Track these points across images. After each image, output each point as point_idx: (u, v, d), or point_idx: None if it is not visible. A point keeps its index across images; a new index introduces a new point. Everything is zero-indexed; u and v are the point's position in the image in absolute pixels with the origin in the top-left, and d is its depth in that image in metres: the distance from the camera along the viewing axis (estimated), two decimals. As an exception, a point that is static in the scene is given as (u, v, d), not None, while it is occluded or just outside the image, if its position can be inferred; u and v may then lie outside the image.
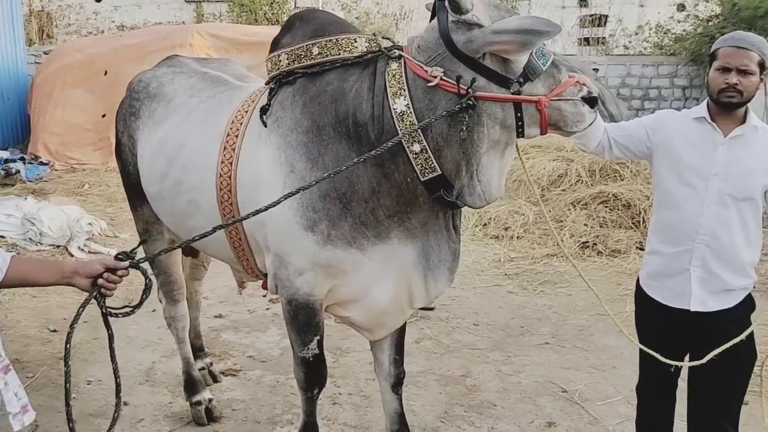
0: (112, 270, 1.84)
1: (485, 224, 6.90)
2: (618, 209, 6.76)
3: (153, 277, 1.98)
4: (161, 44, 9.47)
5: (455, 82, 2.20)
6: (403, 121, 2.26)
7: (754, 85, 2.42)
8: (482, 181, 2.35)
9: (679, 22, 15.39)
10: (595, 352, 4.30)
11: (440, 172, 2.28)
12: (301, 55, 2.47)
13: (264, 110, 2.53)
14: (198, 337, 3.91)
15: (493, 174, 2.37)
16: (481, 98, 2.20)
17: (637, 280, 2.75)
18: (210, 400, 3.48)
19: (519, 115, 2.24)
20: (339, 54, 2.41)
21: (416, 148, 2.27)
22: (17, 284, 1.75)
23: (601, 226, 6.61)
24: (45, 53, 11.54)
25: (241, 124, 2.63)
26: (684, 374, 2.63)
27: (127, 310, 1.95)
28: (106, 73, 9.93)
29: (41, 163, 9.09)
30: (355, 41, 2.42)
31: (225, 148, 2.63)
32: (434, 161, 2.27)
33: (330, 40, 2.43)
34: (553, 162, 7.51)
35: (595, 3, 18.32)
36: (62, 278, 1.81)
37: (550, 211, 6.92)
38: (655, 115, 2.68)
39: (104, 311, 1.91)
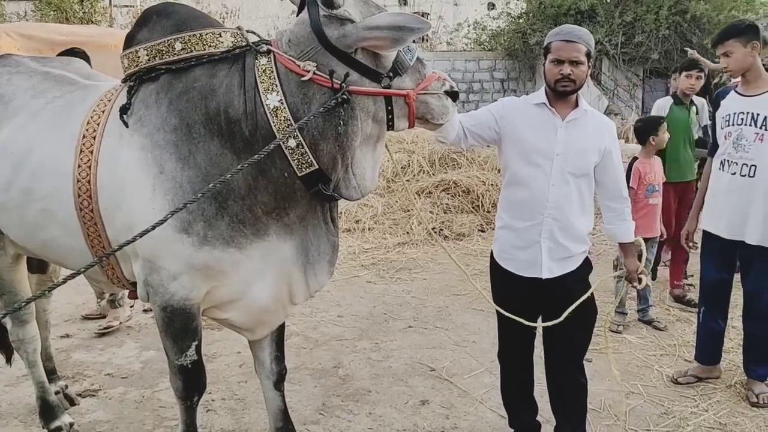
0: None
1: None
2: (459, 195, 7.16)
3: None
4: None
5: (329, 77, 2.22)
6: (276, 116, 2.23)
7: (584, 73, 2.70)
8: (357, 174, 2.38)
9: (494, 19, 16.52)
10: (456, 330, 4.54)
11: (317, 167, 2.28)
12: (162, 50, 2.36)
13: (124, 109, 2.40)
14: (49, 359, 3.60)
15: (366, 167, 2.41)
16: (354, 92, 2.23)
17: (491, 255, 2.95)
18: (71, 425, 3.24)
19: (389, 108, 2.30)
20: (204, 49, 2.33)
21: (292, 143, 2.24)
22: None
23: (445, 212, 6.96)
24: None
25: (98, 124, 2.47)
26: (539, 336, 2.89)
27: None
28: None
29: None
30: (220, 36, 2.35)
31: (81, 151, 2.45)
32: (311, 156, 2.26)
33: (194, 35, 2.34)
34: (395, 154, 7.77)
35: (415, 1, 19.15)
36: None
37: (397, 201, 7.18)
38: (499, 102, 2.88)
39: None
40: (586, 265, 2.85)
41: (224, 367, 4.01)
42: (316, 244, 2.54)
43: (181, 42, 2.34)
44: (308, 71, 2.22)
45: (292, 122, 2.23)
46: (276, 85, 2.24)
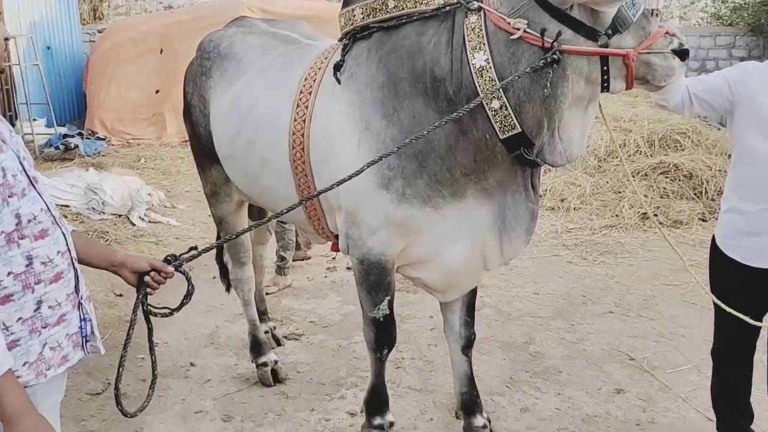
0: (158, 271, 1.85)
1: (541, 196, 6.75)
2: (679, 180, 6.55)
3: (193, 284, 1.98)
4: (213, 20, 9.49)
5: (540, 35, 2.12)
6: (482, 76, 2.17)
7: None
8: (564, 138, 2.27)
9: (738, -10, 14.80)
10: (662, 321, 4.19)
11: (520, 130, 2.20)
12: (376, 8, 2.39)
13: (338, 66, 2.48)
14: (262, 300, 3.93)
15: (575, 131, 2.28)
16: (566, 52, 2.11)
17: (713, 240, 2.65)
18: (276, 362, 3.51)
19: (605, 68, 2.15)
20: (415, 7, 2.32)
21: (495, 104, 2.18)
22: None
23: (661, 197, 6.42)
24: (99, 32, 11.71)
25: (314, 81, 2.58)
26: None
27: (166, 311, 1.97)
28: (161, 51, 10.04)
29: (98, 139, 9.26)
30: None
31: (298, 105, 2.59)
32: (514, 118, 2.18)
33: None
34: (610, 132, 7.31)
35: (648, -27, 17.78)
36: (110, 266, 1.83)
37: (607, 182, 6.78)
38: (736, 67, 2.57)
39: (145, 309, 1.93)
40: None
41: (416, 328, 4.10)
42: (514, 210, 2.47)
43: (394, 0, 2.35)
44: (518, 29, 2.13)
45: (497, 83, 2.15)
46: (484, 44, 2.17)
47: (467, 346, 2.92)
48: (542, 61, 2.08)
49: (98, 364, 3.54)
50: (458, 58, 2.23)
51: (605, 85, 2.18)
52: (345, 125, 2.44)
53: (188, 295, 1.98)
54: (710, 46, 14.03)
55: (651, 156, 6.89)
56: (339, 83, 2.48)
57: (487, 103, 2.17)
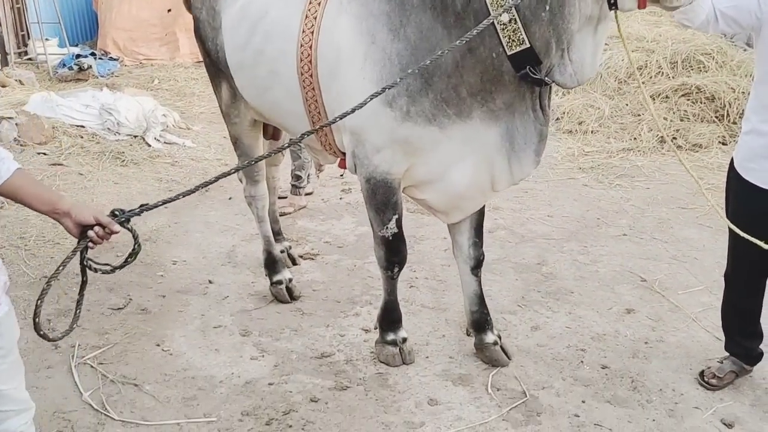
0: (103, 226, 1.73)
1: (558, 118, 6.68)
2: (701, 102, 6.42)
3: (140, 243, 1.88)
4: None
5: None
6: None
7: None
8: (574, 60, 2.23)
9: None
10: (675, 244, 4.20)
11: (528, 45, 2.15)
12: None
13: None
14: (276, 221, 3.95)
15: (586, 52, 2.23)
16: None
17: (731, 163, 2.62)
18: (290, 280, 3.58)
19: None
20: None
21: (505, 18, 2.12)
22: (9, 196, 1.68)
23: (681, 120, 6.31)
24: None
25: None
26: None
27: (108, 268, 1.85)
28: (169, 11, 9.79)
29: (111, 59, 9.17)
30: None
31: (307, 17, 2.53)
32: (523, 33, 2.13)
33: None
34: (632, 53, 7.12)
35: None
36: (53, 213, 1.71)
37: (627, 104, 6.66)
38: None
39: (84, 263, 1.81)
40: None
41: (430, 249, 4.14)
42: (523, 131, 2.44)
43: None
44: None
45: None
46: None
47: (476, 267, 2.95)
48: None
49: (119, 281, 3.63)
50: None
51: (612, 1, 2.10)
52: (351, 38, 2.39)
53: (133, 254, 1.88)
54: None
55: (673, 78, 6.73)
56: None
57: (496, 17, 2.10)
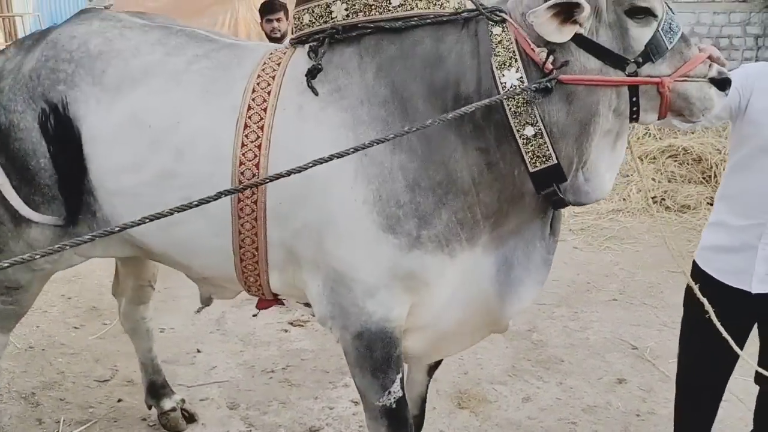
0: None
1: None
2: (688, 164, 6.54)
3: None
4: (219, -3, 9.44)
5: (545, 58, 1.81)
6: (513, 98, 1.82)
7: None
8: (590, 177, 1.96)
9: (754, -35, 14.54)
10: (666, 310, 4.20)
11: (555, 161, 1.86)
12: (371, 5, 1.95)
13: (313, 72, 1.94)
14: (157, 372, 3.09)
15: (602, 168, 1.96)
16: (567, 82, 1.81)
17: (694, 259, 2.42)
18: (183, 400, 3.10)
19: (635, 99, 1.85)
20: (428, 8, 1.93)
21: (529, 132, 1.84)
22: None
23: (669, 181, 6.41)
24: (105, 8, 11.67)
25: (268, 93, 1.99)
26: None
27: None
28: None
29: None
30: None
31: (246, 127, 1.97)
32: (550, 148, 1.85)
33: None
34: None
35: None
36: None
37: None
38: (742, 70, 2.33)
39: None
40: None
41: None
42: (525, 262, 2.07)
43: None
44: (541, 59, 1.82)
45: (534, 109, 1.83)
46: (515, 60, 1.83)
47: (435, 367, 2.51)
48: (534, 85, 1.79)
49: (105, 351, 3.60)
50: (488, 74, 1.86)
51: (635, 116, 1.89)
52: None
53: None
54: (724, 22, 13.81)
55: (660, 139, 6.88)
56: (316, 94, 1.94)
57: (518, 131, 1.85)
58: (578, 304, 4.30)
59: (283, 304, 2.33)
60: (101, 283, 4.61)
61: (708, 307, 2.11)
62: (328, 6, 1.98)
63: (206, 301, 2.68)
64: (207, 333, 3.93)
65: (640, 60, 1.82)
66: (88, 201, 2.19)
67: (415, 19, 1.93)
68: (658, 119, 1.91)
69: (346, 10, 1.96)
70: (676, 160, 6.57)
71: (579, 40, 1.81)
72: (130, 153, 2.09)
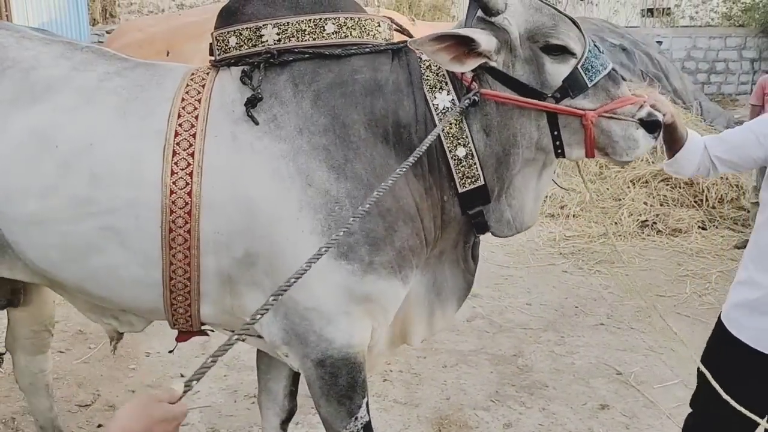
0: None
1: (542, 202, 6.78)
2: (680, 187, 6.56)
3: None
4: (218, 22, 9.56)
5: (469, 77, 1.88)
6: (447, 118, 1.88)
7: None
8: (513, 205, 2.00)
9: (750, -10, 14.68)
10: (652, 334, 4.19)
11: (483, 182, 1.92)
12: (305, 30, 1.91)
13: (253, 102, 1.88)
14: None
15: (527, 197, 2.01)
16: (487, 96, 1.87)
17: (719, 318, 2.20)
18: None
19: (556, 133, 1.89)
20: (362, 37, 1.96)
21: (461, 152, 1.90)
22: None
23: (661, 205, 6.43)
24: (107, 32, 11.81)
25: (195, 118, 1.90)
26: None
27: None
28: (168, 53, 10.10)
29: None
30: (379, 25, 2.01)
31: (176, 153, 1.86)
32: (479, 169, 1.91)
33: (350, 18, 1.95)
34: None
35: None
36: None
37: (608, 188, 6.77)
38: (764, 117, 2.21)
39: None
40: None
41: (406, 340, 4.12)
42: (452, 282, 2.14)
43: (334, 23, 1.93)
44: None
45: (466, 128, 1.90)
46: (446, 83, 1.91)
47: (287, 420, 2.46)
48: (465, 101, 1.86)
49: (88, 375, 3.60)
50: (422, 99, 1.92)
51: (559, 150, 1.92)
52: (273, 185, 1.85)
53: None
54: (720, 47, 13.94)
55: (652, 163, 6.88)
56: (256, 124, 1.88)
57: (451, 151, 1.91)
58: (565, 328, 4.29)
59: (207, 335, 2.27)
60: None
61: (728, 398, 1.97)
62: (258, 29, 1.93)
63: (116, 338, 2.46)
64: (192, 357, 3.92)
65: (558, 95, 1.85)
66: None
67: (355, 47, 1.94)
68: (587, 156, 1.92)
69: (278, 34, 1.92)
70: (668, 184, 6.59)
71: (493, 72, 1.87)
72: (33, 175, 1.92)
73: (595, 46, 1.91)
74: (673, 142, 2.09)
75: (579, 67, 1.85)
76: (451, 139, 1.89)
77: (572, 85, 1.85)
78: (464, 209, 1.96)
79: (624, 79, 2.01)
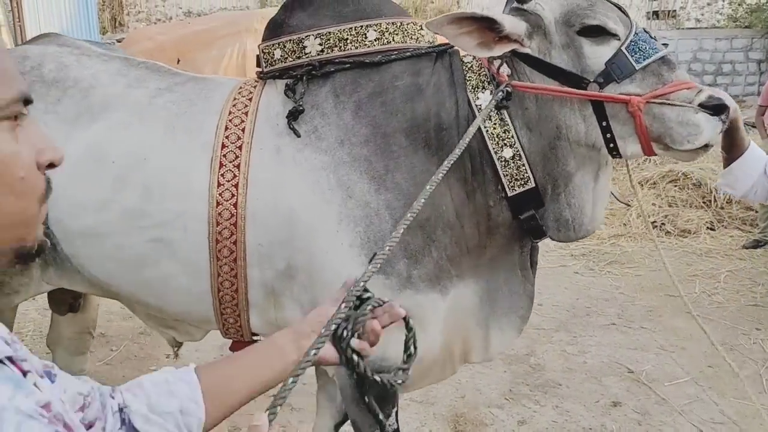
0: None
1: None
2: (688, 188, 6.61)
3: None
4: (228, 30, 9.64)
5: (497, 68, 1.82)
6: (490, 119, 1.81)
7: None
8: (572, 204, 1.87)
9: (756, -9, 14.71)
10: (663, 333, 4.25)
11: (534, 185, 1.83)
12: (347, 39, 1.90)
13: (295, 114, 1.89)
14: None
15: (586, 199, 1.88)
16: (518, 88, 1.80)
17: None
18: None
19: (605, 124, 1.75)
20: (405, 41, 1.92)
21: (507, 153, 1.81)
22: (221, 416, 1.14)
23: (670, 206, 6.48)
24: (118, 41, 11.95)
25: (242, 131, 1.93)
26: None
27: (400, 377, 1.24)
28: (178, 61, 10.22)
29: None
30: (422, 28, 1.96)
31: (222, 165, 1.90)
32: (529, 171, 1.82)
33: (392, 23, 1.92)
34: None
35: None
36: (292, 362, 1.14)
37: (617, 190, 6.82)
38: None
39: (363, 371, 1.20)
40: None
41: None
42: (508, 293, 2.02)
43: (376, 30, 1.90)
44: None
45: (511, 127, 1.81)
46: (488, 82, 1.85)
47: (342, 423, 2.41)
48: (499, 94, 1.78)
49: (110, 377, 3.68)
50: (464, 100, 1.86)
51: (611, 145, 1.77)
52: (313, 197, 1.85)
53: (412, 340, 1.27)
54: (727, 48, 13.96)
55: (660, 164, 6.94)
56: (298, 136, 1.88)
57: (496, 153, 1.82)
58: (577, 328, 4.36)
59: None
60: (110, 309, 4.70)
61: None
62: (301, 41, 1.93)
63: (176, 345, 2.55)
64: (211, 359, 4.01)
65: (601, 80, 1.73)
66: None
67: (395, 53, 1.90)
68: (645, 152, 1.78)
69: (321, 45, 1.91)
70: (676, 185, 6.64)
71: (528, 60, 1.80)
72: (91, 190, 1.98)
73: (645, 32, 1.79)
74: (732, 146, 1.92)
75: (623, 48, 1.73)
76: (496, 139, 1.81)
77: (617, 69, 1.72)
78: (515, 214, 1.87)
79: None
